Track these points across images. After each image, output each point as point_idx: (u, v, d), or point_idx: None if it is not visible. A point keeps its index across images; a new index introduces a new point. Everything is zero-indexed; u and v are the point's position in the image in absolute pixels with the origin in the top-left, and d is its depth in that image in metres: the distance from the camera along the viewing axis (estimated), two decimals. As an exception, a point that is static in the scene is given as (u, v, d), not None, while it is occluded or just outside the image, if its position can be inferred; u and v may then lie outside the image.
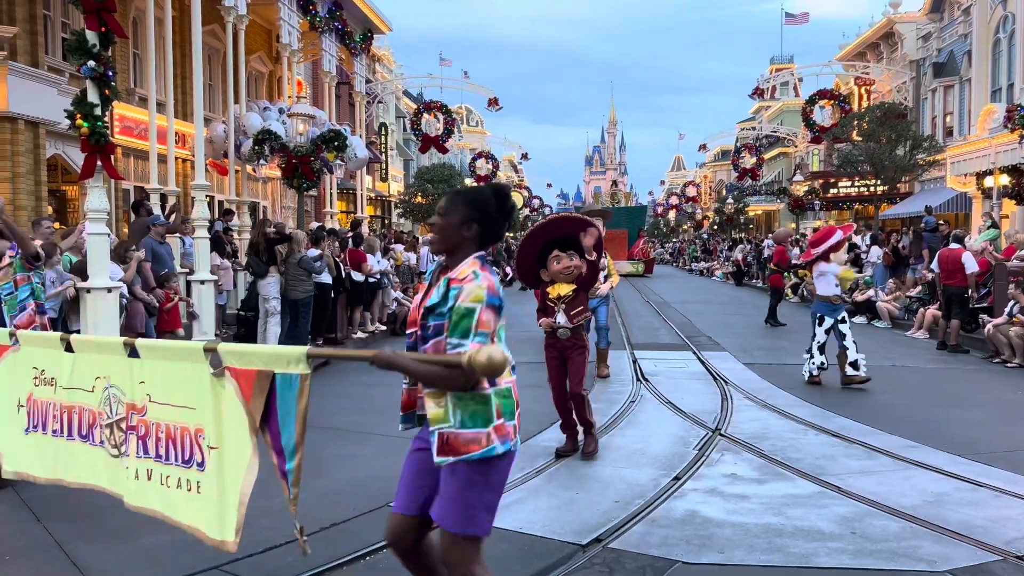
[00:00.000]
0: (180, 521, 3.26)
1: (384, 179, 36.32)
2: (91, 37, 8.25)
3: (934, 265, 13.47)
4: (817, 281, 9.35)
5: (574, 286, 6.17)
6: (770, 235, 12.16)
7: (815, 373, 9.31)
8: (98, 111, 8.34)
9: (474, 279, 2.89)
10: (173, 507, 3.26)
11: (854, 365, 9.09)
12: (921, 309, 14.33)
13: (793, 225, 43.59)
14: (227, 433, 3.07)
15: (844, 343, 9.10)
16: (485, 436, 2.84)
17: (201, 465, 3.17)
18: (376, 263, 13.88)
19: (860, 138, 27.81)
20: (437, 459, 2.86)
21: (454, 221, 2.99)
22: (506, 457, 2.92)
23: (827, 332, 9.21)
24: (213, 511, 3.12)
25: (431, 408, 2.87)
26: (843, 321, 9.24)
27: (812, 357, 9.30)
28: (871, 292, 16.79)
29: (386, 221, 37.94)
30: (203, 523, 3.16)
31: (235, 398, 3.03)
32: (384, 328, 14.53)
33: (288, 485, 2.93)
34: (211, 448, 3.12)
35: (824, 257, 9.31)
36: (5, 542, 4.46)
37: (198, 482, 3.17)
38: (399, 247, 18.26)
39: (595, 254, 6.13)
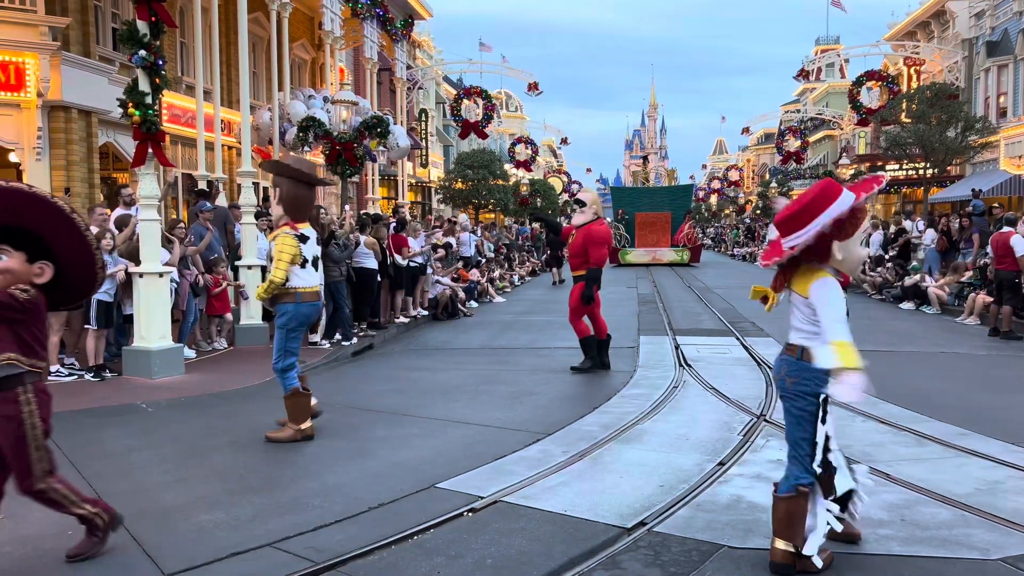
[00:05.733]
0: None
1: (424, 165, 36.48)
2: (142, 27, 8.43)
3: (989, 249, 13.19)
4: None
5: None
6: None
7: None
8: (149, 100, 8.53)
9: None
10: None
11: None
12: (971, 295, 14.01)
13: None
14: None
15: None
16: None
17: None
18: (418, 247, 13.98)
19: (909, 120, 27.16)
20: None
21: None
22: None
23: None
24: None
25: None
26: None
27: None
28: (917, 277, 16.44)
29: (427, 207, 38.13)
30: None
31: None
32: (426, 313, 14.65)
33: None
34: None
35: (813, 250, 3.85)
36: (68, 518, 4.61)
37: None
38: (451, 245, 18.14)
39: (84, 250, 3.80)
